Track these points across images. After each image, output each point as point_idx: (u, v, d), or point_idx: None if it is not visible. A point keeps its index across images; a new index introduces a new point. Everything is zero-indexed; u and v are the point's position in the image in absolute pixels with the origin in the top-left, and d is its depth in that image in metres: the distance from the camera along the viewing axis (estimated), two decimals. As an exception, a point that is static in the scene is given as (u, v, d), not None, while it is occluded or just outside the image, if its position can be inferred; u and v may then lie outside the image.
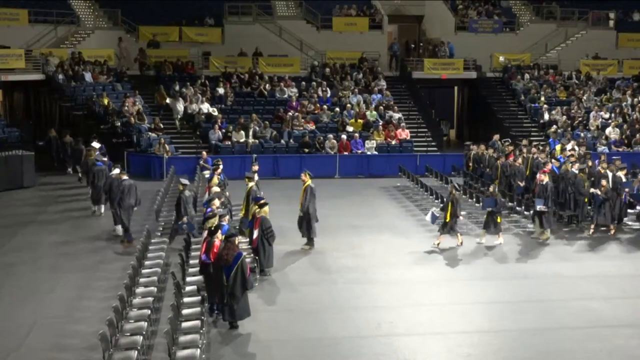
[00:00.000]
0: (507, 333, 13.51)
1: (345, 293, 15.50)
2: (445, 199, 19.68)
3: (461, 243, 18.87)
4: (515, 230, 20.62)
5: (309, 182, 18.24)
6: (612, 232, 20.35)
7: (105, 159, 23.52)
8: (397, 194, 25.57)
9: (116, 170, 20.05)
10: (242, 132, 29.19)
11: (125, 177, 19.35)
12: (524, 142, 26.81)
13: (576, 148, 24.55)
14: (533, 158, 23.55)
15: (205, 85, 32.41)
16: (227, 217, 16.54)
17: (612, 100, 34.70)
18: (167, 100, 31.50)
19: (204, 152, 26.89)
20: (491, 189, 19.74)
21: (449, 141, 37.82)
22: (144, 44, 35.57)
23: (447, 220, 18.75)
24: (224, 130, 29.27)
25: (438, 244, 18.79)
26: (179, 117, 31.02)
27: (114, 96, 31.39)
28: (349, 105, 32.14)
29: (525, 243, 19.48)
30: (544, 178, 19.89)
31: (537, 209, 19.59)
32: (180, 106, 31.06)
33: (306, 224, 18.26)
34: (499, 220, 19.20)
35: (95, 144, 24.25)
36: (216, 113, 30.53)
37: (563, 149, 26.00)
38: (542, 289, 15.95)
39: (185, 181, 19.28)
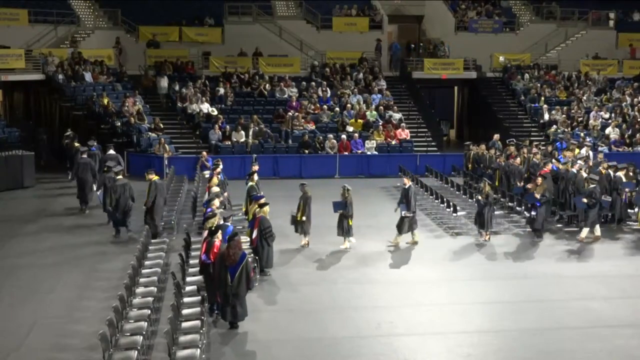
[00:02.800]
0: (507, 333, 13.51)
1: (345, 293, 15.50)
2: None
3: (307, 244, 18.61)
4: (515, 230, 20.60)
5: (155, 178, 19.33)
6: (487, 238, 19.45)
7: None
8: (397, 194, 25.33)
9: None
10: (242, 132, 29.20)
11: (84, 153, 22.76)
12: (526, 142, 26.80)
13: (590, 153, 23.82)
14: (531, 158, 23.57)
15: (205, 85, 32.42)
16: (231, 217, 16.63)
17: (612, 100, 34.69)
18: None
19: (204, 152, 26.92)
20: (341, 191, 18.80)
21: (449, 141, 37.82)
22: (121, 33, 36.07)
23: (299, 219, 18.48)
24: (223, 130, 29.29)
25: (304, 244, 18.63)
26: (164, 94, 32.09)
27: (114, 96, 31.40)
28: (349, 105, 32.13)
29: (525, 243, 19.47)
30: (407, 182, 19.18)
31: (402, 215, 18.84)
32: (164, 83, 32.12)
33: (149, 217, 18.87)
34: (350, 223, 18.48)
35: (69, 132, 26.96)
36: (216, 113, 30.54)
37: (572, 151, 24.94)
38: (542, 289, 15.96)
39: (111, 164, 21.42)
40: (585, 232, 19.68)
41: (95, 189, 22.51)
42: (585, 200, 19.68)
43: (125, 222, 19.54)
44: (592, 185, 19.99)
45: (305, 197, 18.57)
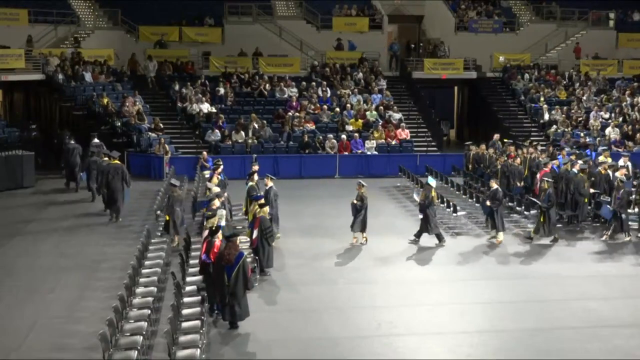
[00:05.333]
0: (507, 333, 13.52)
1: (345, 293, 15.51)
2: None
3: (177, 244, 17.98)
4: (515, 230, 20.60)
5: (115, 162, 21.25)
6: (355, 241, 18.97)
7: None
8: (397, 194, 25.58)
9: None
10: (242, 132, 29.19)
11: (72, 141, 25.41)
12: (526, 142, 26.77)
13: (629, 164, 23.49)
14: (532, 158, 23.54)
15: (205, 85, 32.41)
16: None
17: (612, 100, 34.68)
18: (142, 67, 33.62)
19: (204, 152, 26.90)
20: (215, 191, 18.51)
21: (449, 141, 37.82)
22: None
23: (168, 219, 18.30)
24: (223, 130, 29.27)
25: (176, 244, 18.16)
26: (152, 76, 32.94)
27: (114, 96, 31.38)
28: (349, 105, 32.13)
29: (524, 243, 19.45)
30: (268, 183, 18.63)
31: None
32: (152, 66, 33.05)
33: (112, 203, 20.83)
34: None
35: (33, 126, 29.81)
36: (216, 113, 30.53)
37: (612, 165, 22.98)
38: (542, 289, 15.96)
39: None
40: (501, 235, 19.38)
41: (80, 171, 25.05)
42: (488, 203, 19.45)
43: (116, 205, 20.59)
44: (493, 187, 19.64)
45: (173, 197, 18.31)
